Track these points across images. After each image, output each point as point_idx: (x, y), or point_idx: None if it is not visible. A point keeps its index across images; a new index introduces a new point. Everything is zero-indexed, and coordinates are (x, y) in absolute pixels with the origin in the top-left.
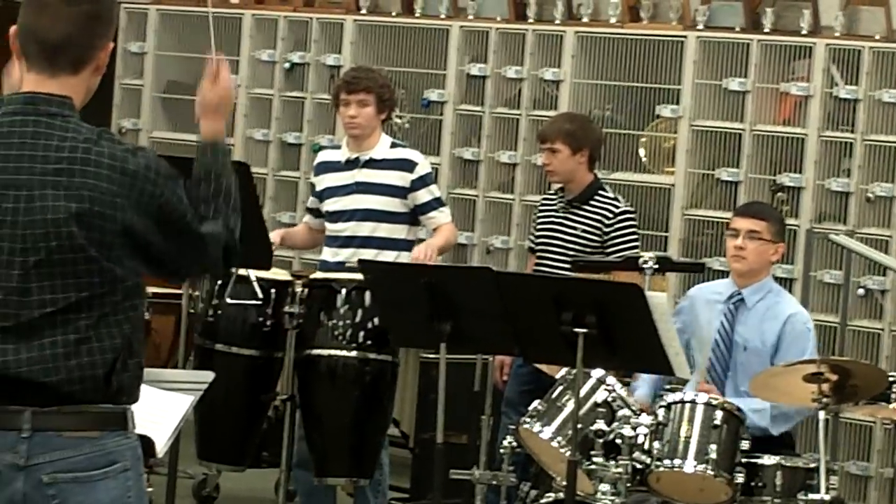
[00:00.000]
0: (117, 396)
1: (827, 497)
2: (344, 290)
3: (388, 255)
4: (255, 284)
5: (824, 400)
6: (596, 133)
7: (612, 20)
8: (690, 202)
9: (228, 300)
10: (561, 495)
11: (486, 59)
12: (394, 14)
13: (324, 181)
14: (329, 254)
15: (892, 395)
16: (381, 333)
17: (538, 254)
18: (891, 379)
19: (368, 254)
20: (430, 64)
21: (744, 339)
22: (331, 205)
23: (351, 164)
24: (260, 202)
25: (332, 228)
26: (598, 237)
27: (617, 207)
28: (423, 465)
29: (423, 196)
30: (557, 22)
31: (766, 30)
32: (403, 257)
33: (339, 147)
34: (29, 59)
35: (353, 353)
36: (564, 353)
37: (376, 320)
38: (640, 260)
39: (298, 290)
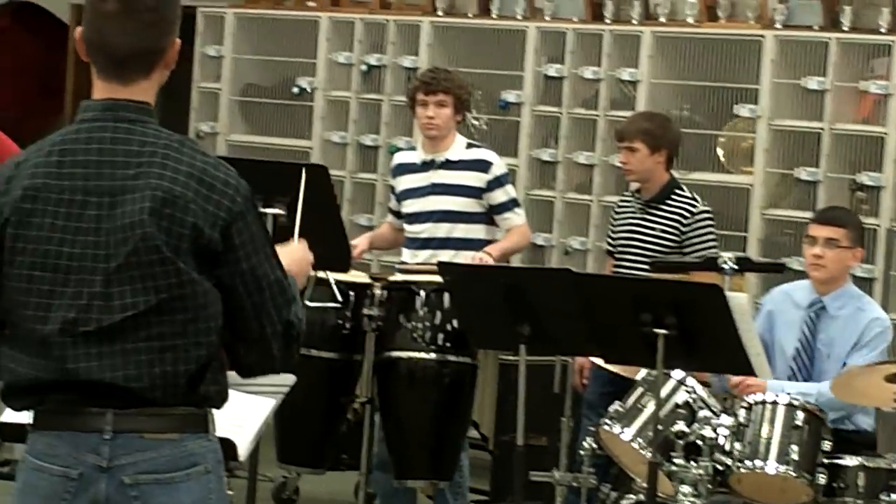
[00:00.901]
0: (202, 403)
1: None
2: (423, 293)
3: (466, 256)
4: (335, 287)
5: None
6: (674, 132)
7: (690, 20)
8: (769, 202)
9: (308, 303)
10: (641, 497)
11: (563, 60)
12: (470, 15)
13: (401, 183)
14: (408, 255)
15: None
16: (461, 335)
17: (617, 255)
18: None
19: (446, 255)
20: (507, 65)
21: (827, 347)
22: (408, 206)
23: (427, 166)
24: (338, 205)
25: (411, 230)
26: (676, 237)
27: (695, 207)
28: (503, 467)
29: (498, 196)
30: (635, 22)
31: (845, 28)
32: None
33: (414, 149)
34: (98, 68)
35: (433, 356)
36: (644, 355)
37: (455, 322)
38: (720, 260)
39: (377, 292)
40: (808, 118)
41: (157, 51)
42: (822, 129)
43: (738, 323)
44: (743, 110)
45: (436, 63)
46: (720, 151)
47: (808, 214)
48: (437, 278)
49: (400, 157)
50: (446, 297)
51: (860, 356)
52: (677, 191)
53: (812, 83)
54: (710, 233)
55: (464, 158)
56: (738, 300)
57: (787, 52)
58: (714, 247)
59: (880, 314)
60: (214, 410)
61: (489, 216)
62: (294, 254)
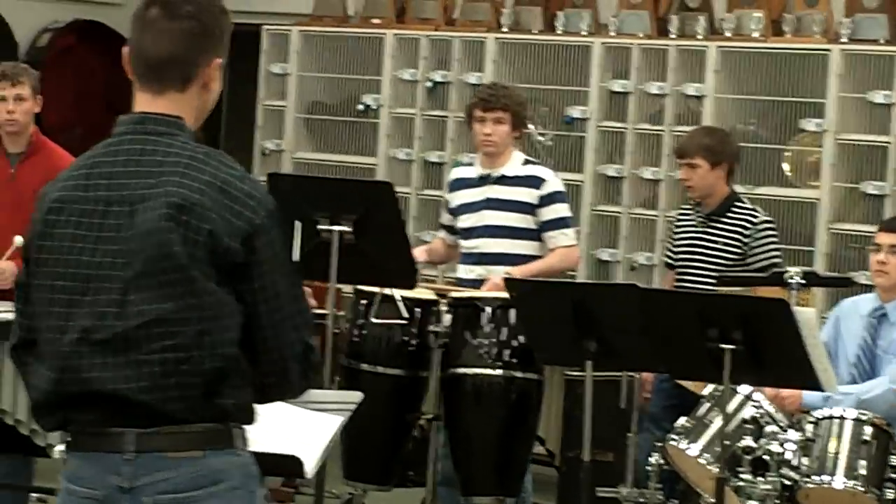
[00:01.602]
0: (222, 418)
1: None
2: (489, 309)
3: (495, 276)
4: (400, 303)
5: None
6: (734, 146)
7: (755, 34)
8: (836, 216)
9: (374, 320)
10: None
11: (628, 76)
12: (535, 31)
13: (457, 198)
14: (463, 270)
15: None
16: (527, 351)
17: (679, 269)
18: None
19: (500, 271)
20: (571, 81)
21: (886, 353)
22: (463, 221)
23: (483, 181)
24: (403, 221)
25: (465, 245)
26: (739, 249)
27: (756, 217)
28: (570, 483)
29: (546, 214)
30: (700, 37)
31: None
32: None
33: (472, 164)
34: (138, 77)
35: (499, 372)
36: (710, 370)
37: (521, 338)
38: (786, 275)
39: (443, 308)
40: (875, 132)
41: (193, 62)
42: (888, 142)
43: (805, 338)
44: (809, 124)
45: (501, 79)
46: (786, 166)
47: (875, 228)
48: (504, 294)
49: (458, 172)
50: (512, 312)
51: None
52: (738, 203)
53: (878, 97)
54: (774, 243)
55: (519, 174)
56: (806, 315)
57: (853, 66)
58: (778, 257)
59: None
60: (284, 427)
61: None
62: None
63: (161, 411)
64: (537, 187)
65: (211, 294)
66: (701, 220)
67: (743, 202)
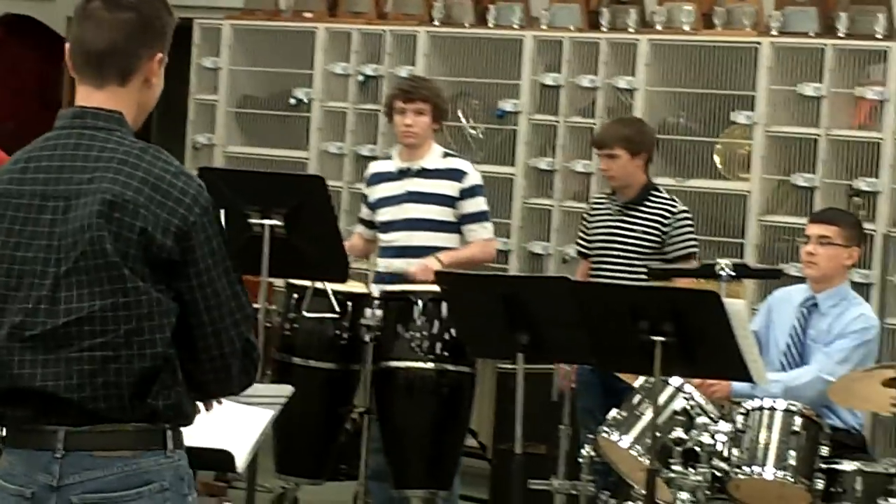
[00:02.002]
0: (154, 418)
1: None
2: (421, 302)
3: (416, 262)
4: (332, 297)
5: None
6: (651, 135)
7: (686, 27)
8: (766, 208)
9: (305, 314)
10: None
11: (559, 69)
12: (467, 25)
13: (376, 192)
14: (383, 265)
15: None
16: (459, 345)
17: (595, 259)
18: None
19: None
20: (503, 74)
21: (815, 342)
22: (383, 215)
23: (403, 174)
24: (335, 215)
25: (385, 239)
26: (658, 238)
27: (675, 207)
28: (502, 475)
29: (467, 207)
30: (631, 30)
31: (841, 34)
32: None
33: (389, 157)
34: (78, 70)
35: (431, 365)
36: (642, 362)
37: (453, 331)
38: (717, 267)
39: (375, 302)
40: (805, 124)
41: (133, 54)
42: (818, 135)
43: (736, 329)
44: (739, 117)
45: (432, 73)
46: (717, 158)
47: (805, 220)
48: (436, 287)
49: (375, 166)
50: (444, 306)
51: (839, 344)
52: (655, 192)
53: (808, 89)
54: (691, 232)
55: (440, 167)
56: (736, 307)
57: (784, 59)
58: (695, 246)
59: (868, 313)
60: (213, 421)
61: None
62: None
63: (90, 410)
64: (459, 180)
65: (142, 293)
66: (618, 209)
67: (660, 191)
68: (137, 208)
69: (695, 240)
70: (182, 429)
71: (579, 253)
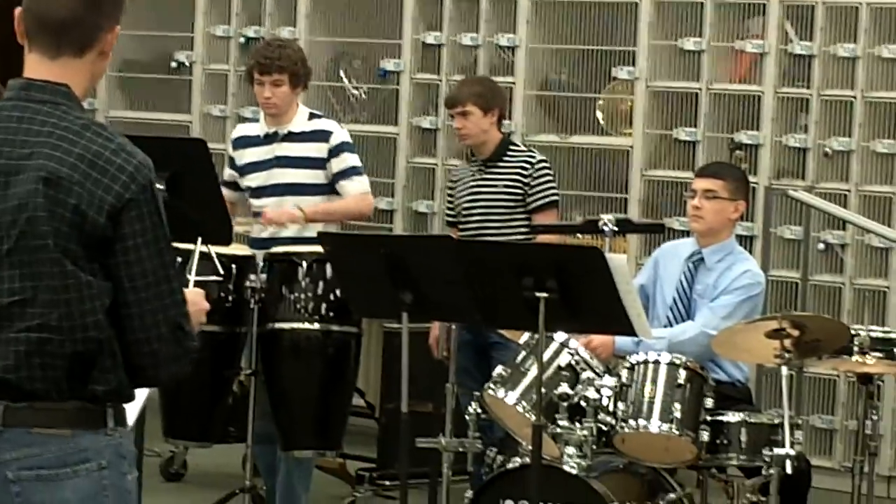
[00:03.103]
0: (95, 400)
1: (792, 451)
2: (305, 263)
3: (276, 212)
4: (216, 260)
5: (787, 356)
6: (503, 92)
7: None
8: (649, 163)
9: (189, 277)
10: (527, 460)
11: (441, 28)
12: None
13: (244, 156)
14: (257, 229)
15: (855, 349)
16: (344, 305)
17: (462, 221)
18: (852, 332)
19: (293, 227)
20: (385, 34)
21: (702, 297)
22: (252, 181)
23: (270, 139)
24: (218, 178)
25: (256, 204)
26: (520, 190)
27: (533, 158)
28: (389, 434)
29: (337, 165)
30: None
31: None
32: (330, 229)
33: (257, 120)
34: (32, 40)
35: (316, 326)
36: (526, 318)
37: (338, 292)
38: (600, 222)
39: (259, 264)
40: (686, 79)
41: (94, 26)
42: (699, 89)
43: (619, 284)
44: (621, 73)
45: (314, 34)
46: (599, 114)
47: (688, 174)
48: (319, 248)
49: (242, 129)
50: (328, 267)
51: (724, 300)
52: (512, 147)
53: (689, 44)
54: (552, 180)
55: (305, 130)
56: (618, 261)
57: (664, 14)
58: (555, 194)
59: (754, 268)
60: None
61: (333, 187)
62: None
63: (27, 391)
64: (326, 140)
65: (73, 277)
66: (478, 167)
67: (517, 145)
68: (72, 185)
69: (555, 188)
70: (125, 405)
71: (448, 223)
